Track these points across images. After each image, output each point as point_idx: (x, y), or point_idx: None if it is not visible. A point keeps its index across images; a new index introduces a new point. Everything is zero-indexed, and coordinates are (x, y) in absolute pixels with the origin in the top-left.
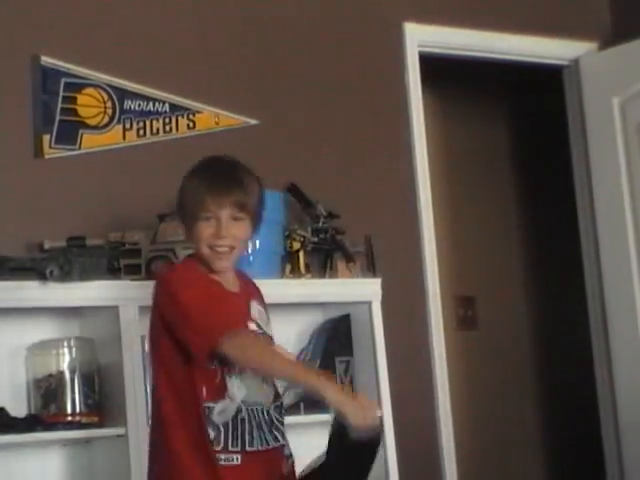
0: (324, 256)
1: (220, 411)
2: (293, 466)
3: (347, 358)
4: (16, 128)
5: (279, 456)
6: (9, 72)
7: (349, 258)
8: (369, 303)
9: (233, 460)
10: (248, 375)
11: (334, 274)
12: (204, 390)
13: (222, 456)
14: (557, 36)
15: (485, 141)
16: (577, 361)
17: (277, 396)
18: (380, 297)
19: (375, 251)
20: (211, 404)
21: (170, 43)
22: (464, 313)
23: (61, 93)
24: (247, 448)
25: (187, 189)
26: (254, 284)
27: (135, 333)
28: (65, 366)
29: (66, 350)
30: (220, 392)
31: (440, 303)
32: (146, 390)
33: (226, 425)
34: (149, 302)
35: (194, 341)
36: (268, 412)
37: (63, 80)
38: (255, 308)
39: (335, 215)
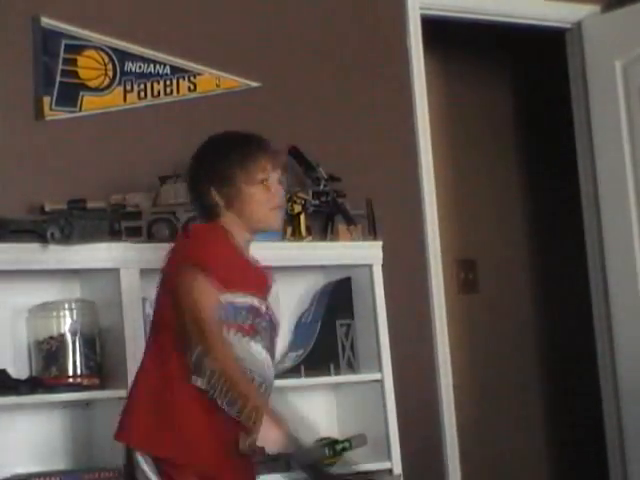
0: (325, 219)
1: None
2: None
3: (348, 321)
4: (17, 90)
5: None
6: (9, 34)
7: (350, 221)
8: (370, 266)
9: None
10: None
11: (335, 237)
12: None
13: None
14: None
15: (487, 104)
16: (577, 323)
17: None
18: (381, 260)
19: (376, 214)
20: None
21: (171, 5)
22: (465, 276)
23: (61, 55)
24: None
25: (231, 156)
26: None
27: (136, 296)
28: (66, 328)
29: (67, 312)
30: None
31: (441, 266)
32: None
33: None
34: (150, 265)
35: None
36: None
37: (63, 42)
38: (273, 293)
39: (336, 178)
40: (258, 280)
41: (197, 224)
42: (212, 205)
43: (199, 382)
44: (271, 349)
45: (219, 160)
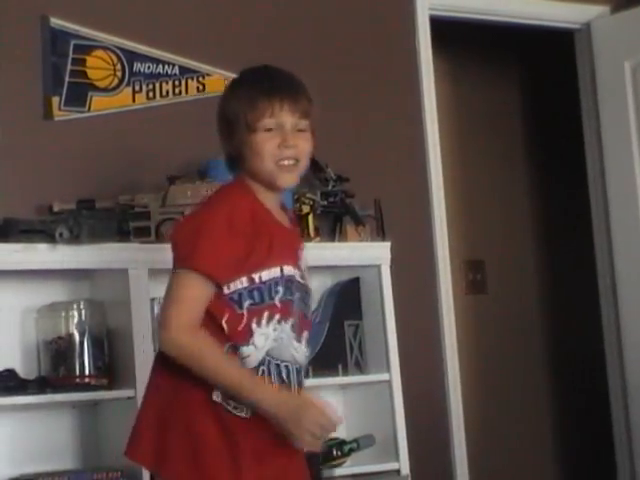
0: (333, 220)
1: (244, 356)
2: None
3: (356, 322)
4: (25, 90)
5: None
6: (18, 34)
7: (358, 222)
8: (378, 267)
9: (242, 411)
10: (283, 328)
11: (343, 238)
12: (226, 329)
13: (232, 403)
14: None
15: (496, 105)
16: (585, 323)
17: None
18: (389, 261)
19: (384, 215)
20: (235, 344)
21: (180, 5)
22: (473, 277)
23: (70, 55)
24: None
25: (238, 96)
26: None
27: (144, 296)
28: (75, 328)
29: (76, 312)
30: (244, 337)
31: (449, 267)
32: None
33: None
34: (159, 265)
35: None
36: (297, 372)
37: (72, 42)
38: (302, 254)
39: (345, 178)
40: (291, 242)
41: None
42: (227, 157)
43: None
44: (304, 324)
45: (226, 103)
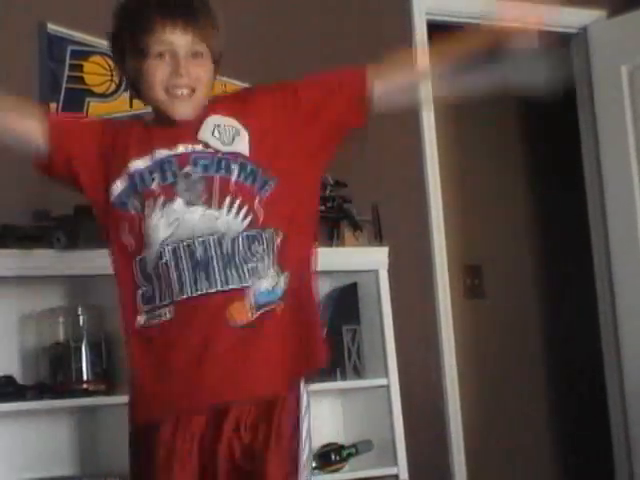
0: (331, 225)
1: (147, 262)
2: (270, 315)
3: (354, 327)
4: (23, 96)
5: (231, 301)
6: (16, 40)
7: (356, 226)
8: (376, 272)
9: (163, 315)
10: (181, 203)
11: (341, 243)
12: (132, 242)
13: (156, 312)
14: (566, 4)
15: (492, 110)
16: (583, 328)
17: (253, 222)
18: (387, 266)
19: (382, 220)
20: (141, 256)
21: None
22: (471, 282)
23: (67, 61)
24: (175, 298)
25: (127, 14)
26: (227, 99)
27: None
28: (73, 334)
29: (73, 318)
30: (143, 240)
31: (447, 272)
32: None
33: (149, 277)
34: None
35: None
36: (219, 242)
37: (69, 48)
38: (209, 124)
39: (342, 184)
40: (174, 133)
41: None
42: (127, 84)
43: None
44: (225, 190)
45: (116, 20)
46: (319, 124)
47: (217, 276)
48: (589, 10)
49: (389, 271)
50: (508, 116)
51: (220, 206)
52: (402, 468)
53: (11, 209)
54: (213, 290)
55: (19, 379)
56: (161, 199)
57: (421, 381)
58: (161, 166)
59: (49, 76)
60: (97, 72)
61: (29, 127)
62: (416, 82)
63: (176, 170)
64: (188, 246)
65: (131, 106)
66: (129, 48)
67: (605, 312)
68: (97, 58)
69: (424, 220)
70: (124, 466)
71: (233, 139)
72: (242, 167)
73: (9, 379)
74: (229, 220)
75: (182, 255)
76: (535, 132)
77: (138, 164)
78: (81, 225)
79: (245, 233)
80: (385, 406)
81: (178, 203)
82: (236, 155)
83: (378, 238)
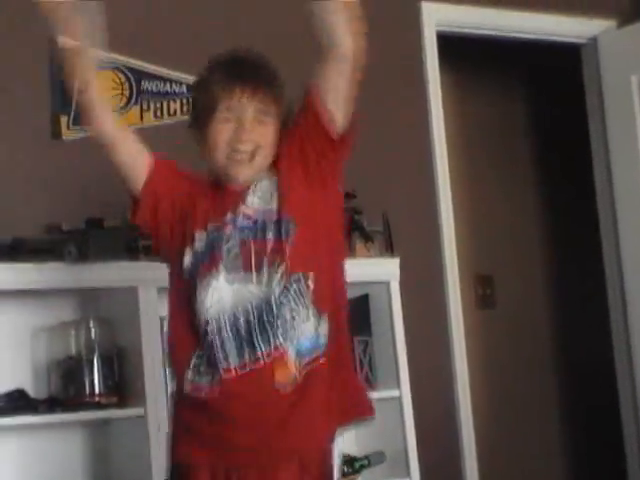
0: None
1: (198, 328)
2: (318, 367)
3: (366, 338)
4: (34, 109)
5: (278, 365)
6: (27, 53)
7: (367, 238)
8: (387, 283)
9: (210, 383)
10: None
11: (352, 254)
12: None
13: (203, 379)
14: (575, 14)
15: (503, 119)
16: (595, 338)
17: (286, 275)
18: (398, 277)
19: (393, 230)
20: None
21: (187, 24)
22: (482, 292)
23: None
24: (221, 366)
25: (200, 84)
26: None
27: (154, 314)
28: (84, 347)
29: (85, 331)
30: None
31: (458, 282)
32: (165, 370)
33: (200, 343)
34: (167, 283)
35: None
36: (259, 309)
37: None
38: (252, 196)
39: (352, 195)
40: (217, 200)
41: None
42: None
43: None
44: (247, 266)
45: (193, 91)
46: (311, 163)
47: (259, 342)
48: (599, 20)
49: (400, 282)
50: (519, 126)
51: (258, 270)
52: (415, 479)
53: (22, 222)
54: (258, 356)
55: (31, 393)
56: (208, 274)
57: (433, 392)
58: (212, 243)
59: (60, 89)
60: (108, 86)
61: (136, 156)
62: (341, 62)
63: (222, 244)
64: (230, 318)
65: (142, 119)
66: (199, 117)
67: (617, 321)
68: (108, 72)
69: (435, 230)
70: (136, 478)
71: (271, 196)
72: (276, 224)
73: (21, 393)
74: (266, 282)
75: (224, 326)
76: (546, 142)
77: (198, 238)
78: (92, 238)
79: (279, 290)
80: (397, 417)
81: (222, 276)
82: (272, 213)
83: (389, 249)
